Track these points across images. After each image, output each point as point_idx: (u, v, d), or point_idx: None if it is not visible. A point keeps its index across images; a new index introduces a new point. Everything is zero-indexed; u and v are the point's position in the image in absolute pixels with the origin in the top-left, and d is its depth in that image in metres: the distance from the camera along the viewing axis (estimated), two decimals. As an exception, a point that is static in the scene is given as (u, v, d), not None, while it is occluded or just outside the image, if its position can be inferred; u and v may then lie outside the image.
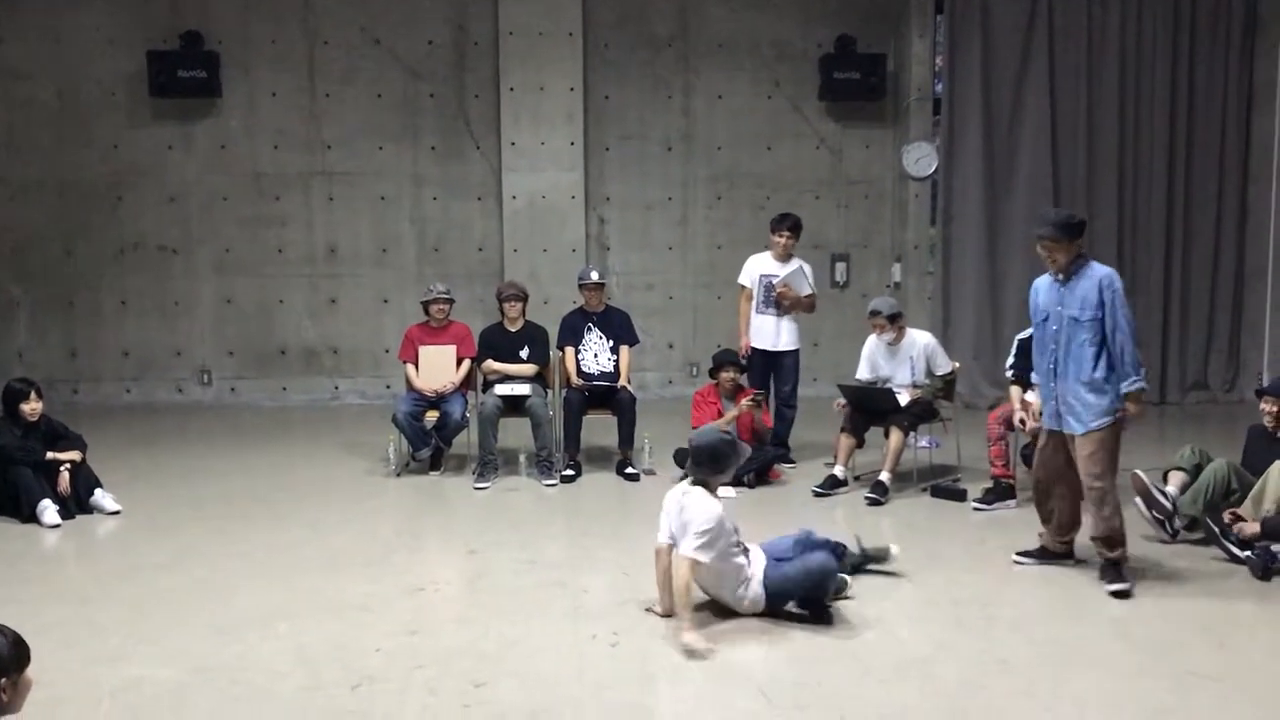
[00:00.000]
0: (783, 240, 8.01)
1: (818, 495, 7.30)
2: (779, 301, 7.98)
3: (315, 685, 4.29)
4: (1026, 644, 4.71)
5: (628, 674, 4.40)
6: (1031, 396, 6.99)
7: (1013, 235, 10.98)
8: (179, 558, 6.02)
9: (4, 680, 2.57)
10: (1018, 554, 5.83)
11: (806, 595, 4.97)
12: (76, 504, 6.84)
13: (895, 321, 7.51)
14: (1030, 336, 7.01)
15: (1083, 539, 5.68)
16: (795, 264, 8.02)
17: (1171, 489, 6.14)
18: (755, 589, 4.99)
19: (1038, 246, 5.41)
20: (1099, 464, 5.30)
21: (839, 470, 7.39)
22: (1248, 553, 5.59)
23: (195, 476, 8.02)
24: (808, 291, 8.02)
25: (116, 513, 6.90)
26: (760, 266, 8.10)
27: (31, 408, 6.88)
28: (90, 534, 6.62)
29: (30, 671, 2.75)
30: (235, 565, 5.88)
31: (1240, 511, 5.79)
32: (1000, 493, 6.92)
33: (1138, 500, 6.11)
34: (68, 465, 6.86)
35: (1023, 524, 6.55)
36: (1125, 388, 5.24)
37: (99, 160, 10.94)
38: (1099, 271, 5.32)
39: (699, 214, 11.28)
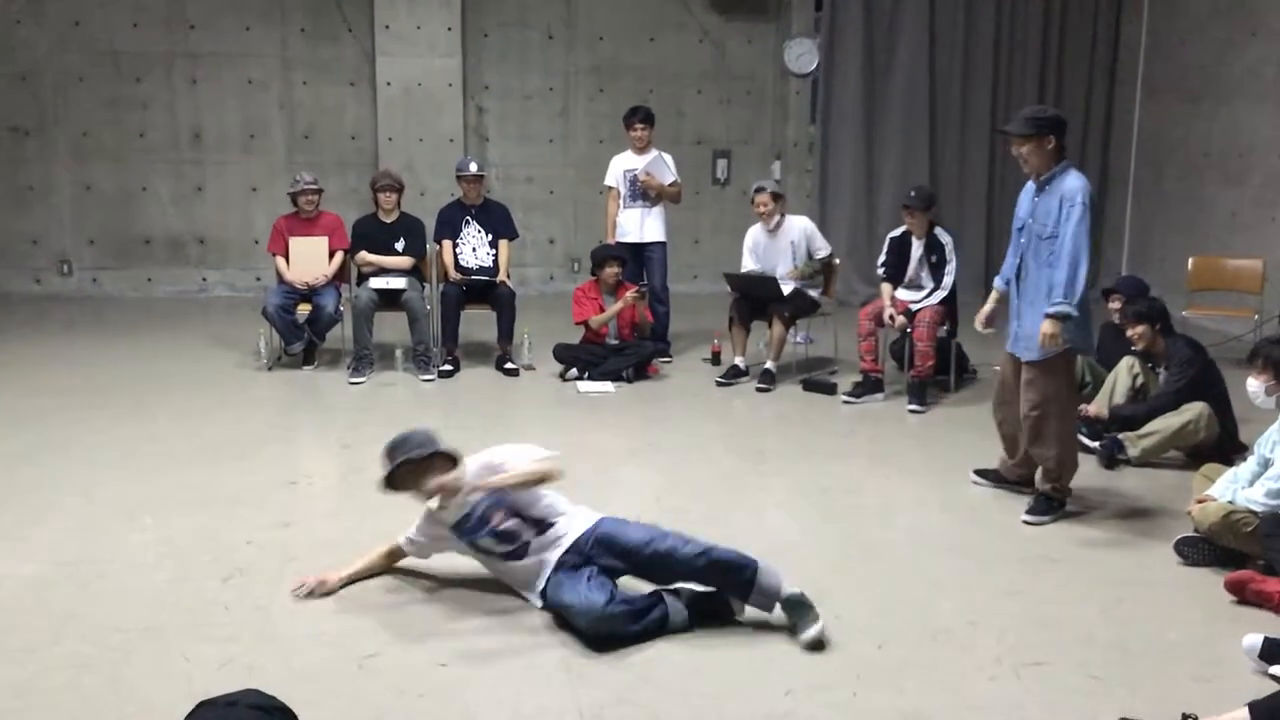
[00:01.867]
0: (638, 133, 8.02)
1: (721, 385, 7.45)
2: (644, 192, 8.00)
3: (185, 577, 4.24)
4: (890, 530, 4.92)
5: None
6: (901, 294, 7.20)
7: (889, 134, 11.13)
8: (38, 449, 5.83)
9: None
10: (975, 471, 5.48)
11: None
12: (-74, 397, 6.55)
13: (778, 201, 7.60)
14: (901, 235, 7.23)
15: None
16: (654, 153, 8.05)
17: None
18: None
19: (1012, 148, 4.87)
20: (1038, 393, 4.90)
21: (740, 360, 7.58)
22: (1097, 443, 5.89)
23: (56, 367, 7.73)
24: (670, 179, 8.05)
25: (-30, 406, 6.63)
26: (623, 164, 8.11)
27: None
28: (-58, 428, 6.35)
29: None
30: (99, 457, 5.73)
31: (1092, 406, 6.07)
32: (869, 386, 7.13)
33: None
34: (-85, 357, 6.55)
35: (891, 417, 6.79)
36: (1047, 307, 4.72)
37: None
38: (1068, 183, 4.71)
39: (580, 106, 11.12)
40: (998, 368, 5.35)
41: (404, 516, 4.89)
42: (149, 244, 10.78)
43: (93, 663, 3.55)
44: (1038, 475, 5.08)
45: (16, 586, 4.14)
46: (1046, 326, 4.70)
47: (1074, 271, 4.65)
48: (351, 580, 4.17)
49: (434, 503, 4.09)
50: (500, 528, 3.98)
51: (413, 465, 4.00)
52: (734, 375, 7.57)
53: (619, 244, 8.03)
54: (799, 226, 7.70)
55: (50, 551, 4.47)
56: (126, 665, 3.54)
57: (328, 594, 4.07)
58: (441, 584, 4.22)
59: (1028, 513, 4.98)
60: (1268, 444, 4.46)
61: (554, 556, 3.95)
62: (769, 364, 7.44)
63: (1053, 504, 5.00)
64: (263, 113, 10.73)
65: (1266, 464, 4.41)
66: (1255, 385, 4.61)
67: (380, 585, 4.21)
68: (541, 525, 4.01)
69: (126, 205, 10.70)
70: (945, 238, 7.10)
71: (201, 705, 1.70)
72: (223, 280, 10.88)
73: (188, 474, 5.50)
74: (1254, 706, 3.04)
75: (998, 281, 5.23)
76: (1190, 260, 8.73)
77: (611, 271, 7.61)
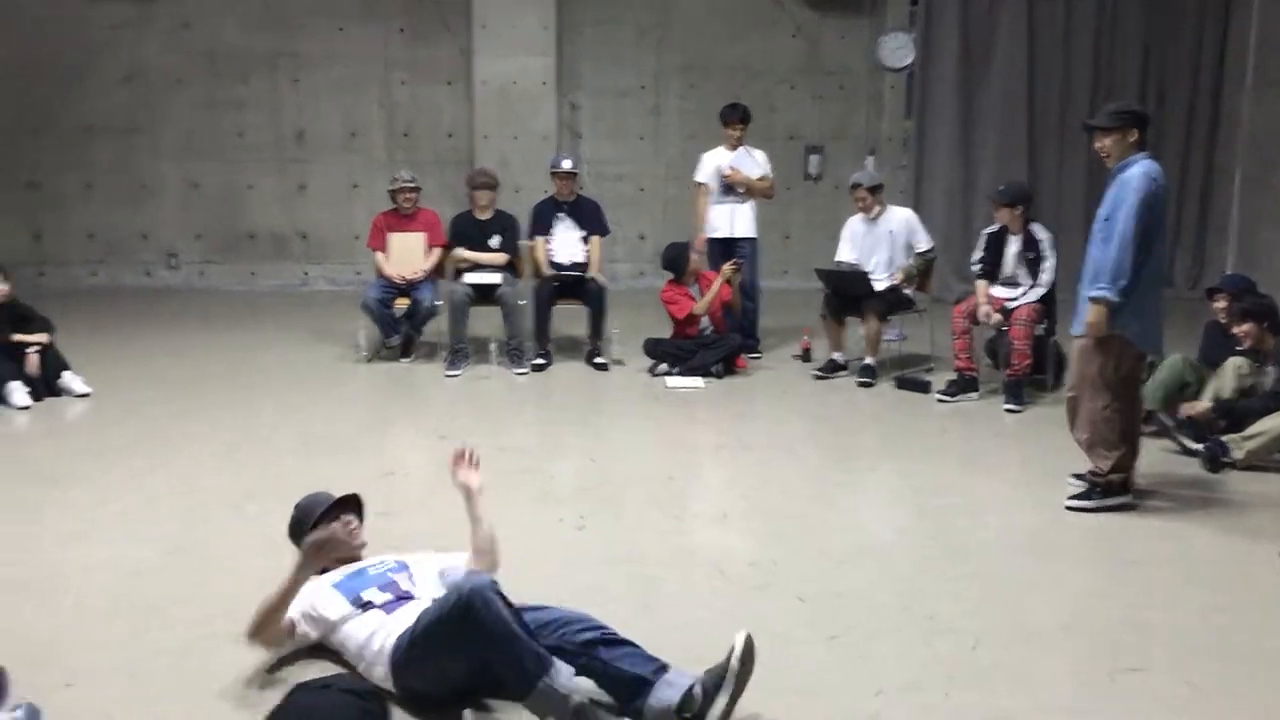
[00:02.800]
0: (734, 132, 8.02)
1: (818, 379, 7.44)
2: (732, 187, 8.00)
3: (286, 565, 4.37)
4: (982, 530, 4.85)
5: (592, 556, 4.51)
6: (996, 291, 7.09)
7: (986, 129, 10.95)
8: (148, 440, 6.06)
9: None
10: (1072, 475, 5.26)
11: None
12: (45, 386, 6.84)
13: (875, 194, 7.56)
14: (997, 231, 7.12)
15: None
16: (744, 150, 8.04)
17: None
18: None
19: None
20: (1076, 373, 4.99)
21: (837, 355, 7.60)
22: (1200, 445, 5.73)
23: (164, 360, 8.01)
24: (758, 174, 8.03)
25: (85, 395, 6.91)
26: (715, 160, 8.12)
27: (-4, 289, 6.83)
28: (59, 416, 6.63)
29: None
30: (204, 448, 5.92)
31: (1192, 405, 5.92)
32: (963, 385, 7.04)
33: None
34: (35, 347, 6.84)
35: (985, 416, 6.69)
36: (1090, 290, 4.81)
37: (57, 38, 10.64)
38: (1132, 170, 4.76)
39: (672, 103, 11.15)
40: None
41: (501, 510, 4.97)
42: (253, 239, 11.11)
43: (197, 647, 3.69)
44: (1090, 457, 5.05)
45: (125, 571, 4.31)
46: (1090, 313, 4.79)
47: (1121, 256, 4.69)
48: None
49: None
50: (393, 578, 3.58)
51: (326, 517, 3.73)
52: (831, 369, 7.56)
53: (708, 239, 8.05)
54: (900, 217, 7.65)
55: (158, 538, 4.64)
56: (231, 650, 3.67)
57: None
58: (540, 579, 4.28)
59: (1070, 498, 5.01)
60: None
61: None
62: (869, 359, 7.41)
63: (1094, 490, 4.98)
64: (363, 112, 10.98)
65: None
66: None
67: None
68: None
69: (232, 201, 11.03)
70: (1043, 234, 6.97)
71: (298, 688, 1.75)
72: (324, 275, 11.16)
73: (289, 464, 5.66)
74: None
75: None
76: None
77: (692, 260, 7.62)
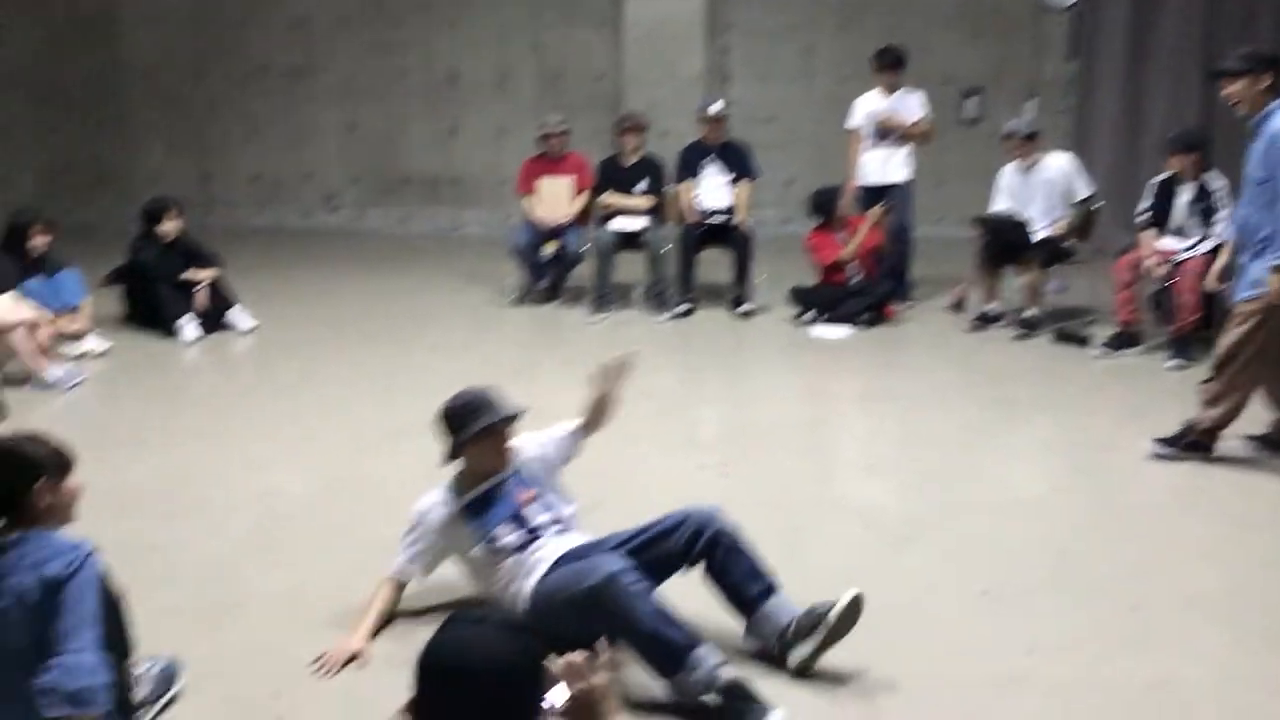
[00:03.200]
0: (887, 75, 7.78)
1: (971, 330, 7.28)
2: (887, 133, 7.79)
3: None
4: (1142, 490, 4.68)
5: (734, 503, 4.49)
6: (1164, 242, 6.77)
7: (1157, 71, 10.37)
8: (310, 375, 6.30)
9: (45, 486, 2.59)
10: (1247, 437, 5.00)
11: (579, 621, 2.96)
12: (214, 320, 7.16)
13: (1030, 142, 7.29)
14: (1168, 179, 6.78)
15: None
16: (901, 93, 7.81)
17: None
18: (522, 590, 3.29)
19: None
20: (1231, 335, 4.70)
21: (991, 306, 7.39)
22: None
23: (325, 299, 8.30)
24: (916, 116, 7.79)
25: (251, 330, 7.21)
26: (868, 105, 7.90)
27: (170, 226, 7.16)
28: (227, 350, 6.95)
29: (75, 480, 2.73)
30: (363, 384, 6.13)
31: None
32: (1125, 339, 6.76)
33: None
34: (205, 282, 7.16)
35: (1145, 372, 6.42)
36: (1272, 259, 4.46)
37: (225, -17, 11.02)
38: (1276, 122, 4.47)
39: (825, 43, 10.89)
40: None
41: (645, 454, 5.02)
42: (408, 182, 11.36)
43: (359, 574, 3.83)
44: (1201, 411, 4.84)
45: (292, 499, 4.51)
46: (1272, 281, 4.46)
47: None
48: (376, 632, 3.42)
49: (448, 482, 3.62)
50: (522, 510, 3.48)
51: (490, 430, 3.51)
52: (986, 321, 7.34)
53: (860, 186, 7.88)
54: (1057, 165, 7.34)
55: (321, 469, 4.84)
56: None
57: (355, 658, 3.30)
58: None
59: (1159, 441, 4.87)
60: None
61: (557, 550, 3.36)
62: (1029, 311, 7.17)
63: (1187, 440, 4.83)
64: (514, 55, 11.05)
65: None
66: None
67: (622, 520, 4.34)
68: (556, 519, 3.54)
69: (388, 145, 11.29)
70: (1218, 183, 6.60)
71: (451, 621, 1.74)
72: (475, 218, 11.34)
73: (440, 402, 5.79)
74: None
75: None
76: None
77: (840, 205, 7.48)
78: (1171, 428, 5.02)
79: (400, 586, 3.51)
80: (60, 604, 2.47)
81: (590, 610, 2.96)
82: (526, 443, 3.70)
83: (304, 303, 8.15)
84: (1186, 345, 6.50)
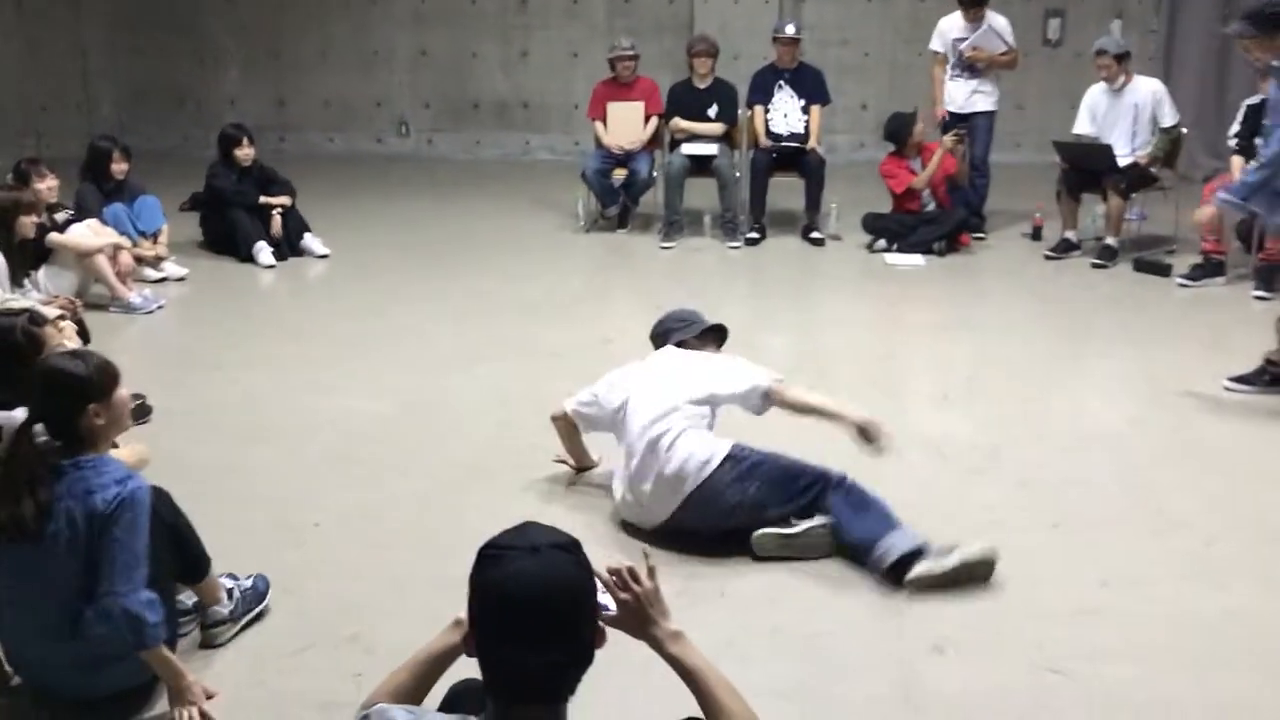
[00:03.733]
0: (971, 8, 7.51)
1: (1049, 259, 7.14)
2: (972, 64, 7.56)
3: (511, 422, 4.56)
4: (1223, 423, 4.57)
5: (805, 430, 4.49)
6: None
7: (1253, -11, 9.95)
8: (384, 301, 6.37)
9: (94, 405, 2.63)
10: (1230, 379, 4.91)
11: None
12: (289, 246, 7.25)
13: (1122, 63, 7.05)
14: (1260, 103, 6.51)
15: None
16: (985, 24, 7.54)
17: None
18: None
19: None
20: None
21: (1070, 234, 7.25)
22: None
23: (396, 225, 8.36)
24: (1003, 49, 7.56)
25: (325, 256, 7.30)
26: (951, 28, 7.66)
27: (245, 153, 7.23)
28: (301, 275, 7.05)
29: (123, 391, 2.77)
30: (435, 310, 6.19)
31: None
32: (1209, 269, 6.58)
33: None
34: (279, 209, 7.25)
35: (1232, 301, 6.26)
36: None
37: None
38: None
39: (902, -36, 10.60)
40: None
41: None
42: (478, 108, 11.34)
43: (433, 494, 3.91)
44: None
45: (368, 422, 4.59)
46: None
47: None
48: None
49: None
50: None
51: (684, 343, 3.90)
52: (1064, 249, 7.19)
53: (945, 113, 7.70)
54: (1147, 89, 7.10)
55: (396, 392, 4.91)
56: (462, 499, 3.88)
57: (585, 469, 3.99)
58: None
59: (1234, 379, 4.82)
60: None
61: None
62: (1109, 239, 7.00)
63: (1269, 376, 4.75)
64: (584, -23, 10.92)
65: None
66: None
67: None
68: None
69: (458, 70, 11.26)
70: (1314, 106, 6.33)
71: (505, 554, 1.71)
72: (545, 144, 11.32)
73: (513, 328, 5.85)
74: None
75: None
76: None
77: (915, 131, 7.30)
78: (1253, 361, 4.91)
79: (567, 419, 3.90)
80: (109, 544, 2.53)
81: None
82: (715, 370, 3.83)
83: (377, 230, 8.22)
84: (1273, 275, 6.32)
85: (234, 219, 7.14)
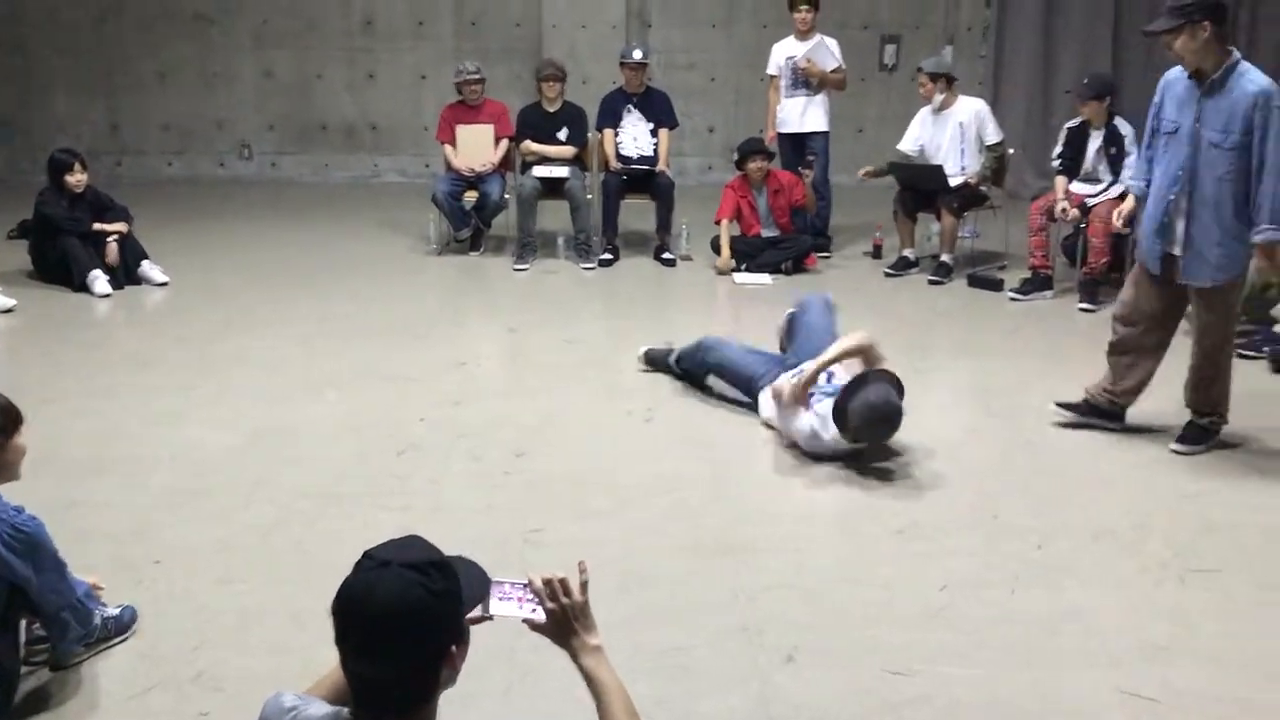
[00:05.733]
0: (801, 16, 7.78)
1: (889, 276, 7.38)
2: (806, 80, 7.81)
3: (363, 450, 4.49)
4: (1054, 430, 4.80)
5: (663, 447, 4.56)
6: (1076, 187, 6.92)
7: (1069, 19, 10.54)
8: (228, 327, 6.19)
9: None
10: (1057, 403, 4.88)
11: None
12: (125, 274, 6.99)
13: (941, 83, 7.35)
14: (1079, 125, 6.90)
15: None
16: (817, 39, 7.82)
17: None
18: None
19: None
20: (1220, 329, 4.40)
21: (908, 252, 7.51)
22: (1269, 346, 5.61)
23: (240, 250, 8.13)
24: (833, 65, 7.83)
25: (164, 284, 7.05)
26: (785, 50, 7.91)
27: (76, 179, 6.94)
28: (140, 304, 6.79)
29: (22, 437, 2.79)
30: (283, 336, 6.04)
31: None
32: (1038, 283, 6.92)
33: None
34: (115, 236, 6.98)
35: (1059, 314, 6.59)
36: (1254, 236, 4.15)
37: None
38: (1254, 84, 4.09)
39: (745, -10, 10.86)
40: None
41: (570, 401, 5.06)
42: (325, 130, 11.13)
43: (281, 525, 3.82)
44: (1192, 404, 4.60)
45: (213, 452, 4.45)
46: (1260, 260, 4.19)
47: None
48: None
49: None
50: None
51: None
52: (903, 267, 7.46)
53: (778, 135, 7.92)
54: (970, 109, 7.42)
55: (242, 422, 4.77)
56: (310, 529, 3.80)
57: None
58: (609, 469, 4.36)
59: (1180, 441, 4.55)
60: None
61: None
62: (944, 256, 7.30)
63: (1205, 434, 4.56)
64: (432, 0, 10.85)
65: None
66: None
67: (550, 466, 4.37)
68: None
69: (303, 92, 11.04)
70: (1126, 129, 6.75)
71: (360, 564, 1.76)
72: (394, 166, 11.18)
73: (364, 353, 5.76)
74: None
75: (1137, 184, 4.72)
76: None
77: (756, 166, 7.48)
78: (1083, 371, 5.16)
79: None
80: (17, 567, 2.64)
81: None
82: None
83: (220, 254, 7.98)
84: (1096, 288, 6.69)
85: (66, 247, 6.84)
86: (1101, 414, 4.76)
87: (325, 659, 1.83)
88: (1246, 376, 5.09)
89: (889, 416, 4.26)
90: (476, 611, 1.92)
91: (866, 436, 4.32)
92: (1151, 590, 3.46)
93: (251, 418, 4.83)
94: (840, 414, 4.28)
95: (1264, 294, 5.91)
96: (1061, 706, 2.89)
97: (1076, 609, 3.33)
